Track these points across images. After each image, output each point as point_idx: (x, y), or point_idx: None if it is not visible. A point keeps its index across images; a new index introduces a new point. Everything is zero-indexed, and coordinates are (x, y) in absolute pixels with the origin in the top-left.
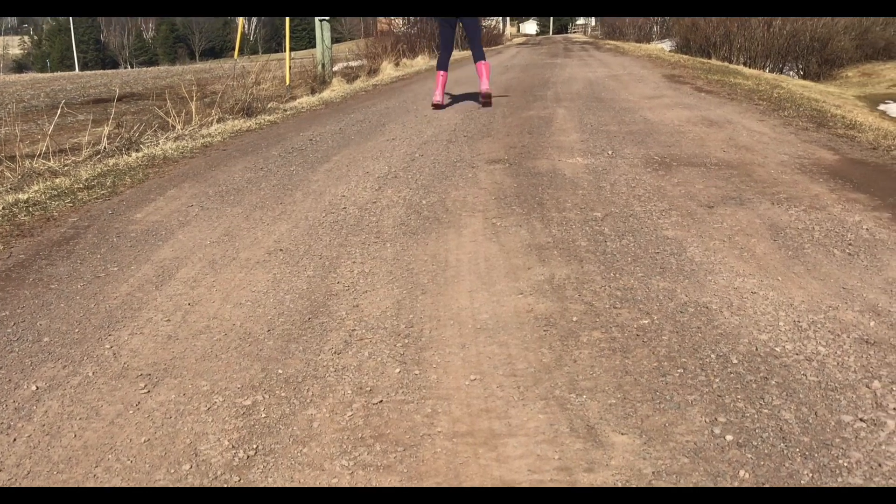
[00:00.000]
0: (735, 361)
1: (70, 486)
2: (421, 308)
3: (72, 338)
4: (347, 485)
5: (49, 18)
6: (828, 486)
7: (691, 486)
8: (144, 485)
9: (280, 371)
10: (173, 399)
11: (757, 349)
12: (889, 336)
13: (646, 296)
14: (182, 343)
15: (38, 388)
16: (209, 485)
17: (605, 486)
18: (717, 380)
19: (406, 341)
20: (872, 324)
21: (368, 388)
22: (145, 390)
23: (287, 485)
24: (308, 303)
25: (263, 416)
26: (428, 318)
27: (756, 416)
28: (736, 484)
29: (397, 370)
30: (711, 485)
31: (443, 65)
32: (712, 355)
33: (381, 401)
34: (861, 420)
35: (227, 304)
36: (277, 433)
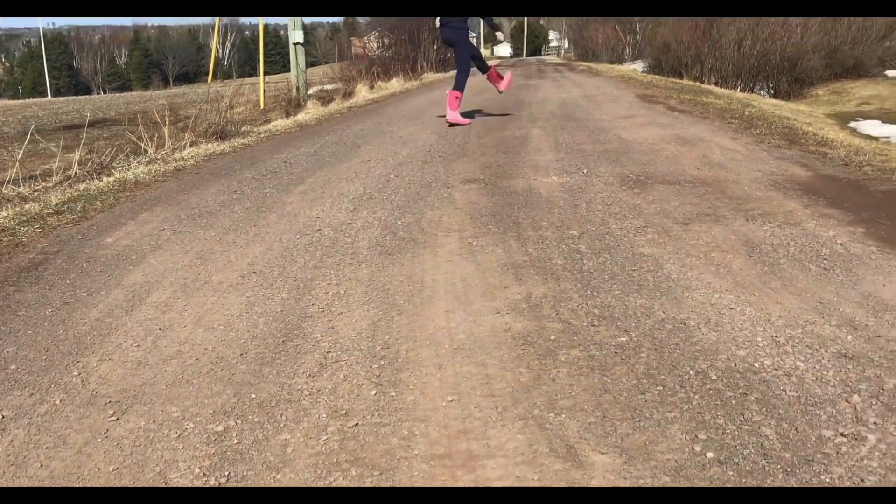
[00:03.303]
0: (714, 378)
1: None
2: (397, 329)
3: (39, 365)
4: None
5: (21, 45)
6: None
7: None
8: None
9: (253, 395)
10: (143, 426)
11: (735, 365)
12: (867, 350)
13: (623, 313)
14: (152, 369)
15: (3, 416)
16: None
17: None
18: (696, 396)
19: (382, 363)
20: (850, 338)
21: (344, 412)
22: (114, 418)
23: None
24: (282, 325)
25: (236, 442)
26: (404, 339)
27: (736, 432)
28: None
29: (373, 392)
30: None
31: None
32: (691, 372)
33: (357, 424)
34: (842, 435)
35: (199, 329)
36: (250, 459)
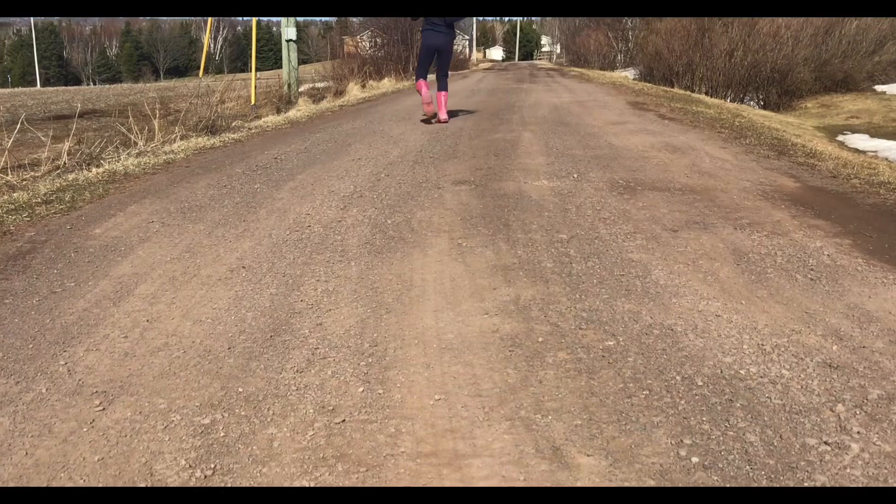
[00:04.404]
0: (700, 383)
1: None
2: (385, 327)
3: (25, 354)
4: None
5: (11, 33)
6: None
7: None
8: None
9: (240, 389)
10: (129, 417)
11: (721, 371)
12: (851, 360)
13: (611, 317)
14: (139, 360)
15: None
16: None
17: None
18: (682, 401)
19: (370, 360)
20: (835, 348)
21: (331, 408)
22: (100, 408)
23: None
24: (270, 320)
25: (222, 434)
26: (392, 338)
27: (721, 438)
28: None
29: (360, 389)
30: None
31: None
32: (677, 377)
33: (344, 420)
34: (826, 443)
35: (187, 321)
36: (236, 452)
